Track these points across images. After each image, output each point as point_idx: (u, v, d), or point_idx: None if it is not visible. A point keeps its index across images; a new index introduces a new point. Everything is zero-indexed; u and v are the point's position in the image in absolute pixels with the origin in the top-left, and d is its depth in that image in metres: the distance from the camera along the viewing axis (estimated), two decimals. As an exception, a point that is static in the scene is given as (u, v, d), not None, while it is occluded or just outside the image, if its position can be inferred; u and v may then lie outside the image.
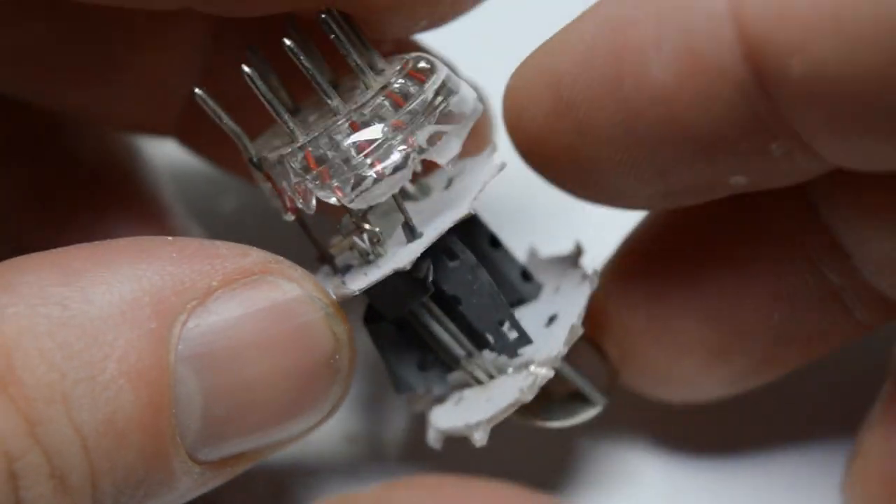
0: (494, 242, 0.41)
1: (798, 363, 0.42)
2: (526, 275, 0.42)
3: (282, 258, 0.36)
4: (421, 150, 0.36)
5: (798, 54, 0.32)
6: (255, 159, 0.38)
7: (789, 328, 0.40)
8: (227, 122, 0.37)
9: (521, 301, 0.41)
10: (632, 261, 0.43)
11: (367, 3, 0.38)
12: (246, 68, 0.36)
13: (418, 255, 0.37)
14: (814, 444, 0.43)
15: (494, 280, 0.39)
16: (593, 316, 0.41)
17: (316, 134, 0.37)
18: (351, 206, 0.36)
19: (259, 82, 0.36)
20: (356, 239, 0.37)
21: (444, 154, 0.37)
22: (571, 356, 0.39)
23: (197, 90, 0.37)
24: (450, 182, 0.40)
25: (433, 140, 0.36)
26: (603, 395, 0.40)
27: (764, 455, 0.43)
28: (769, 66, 0.33)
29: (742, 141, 0.35)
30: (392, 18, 0.39)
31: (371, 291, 0.37)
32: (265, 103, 0.37)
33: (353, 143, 0.36)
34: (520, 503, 0.33)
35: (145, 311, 0.33)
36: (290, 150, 0.37)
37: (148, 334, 0.33)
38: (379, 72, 0.38)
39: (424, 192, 0.41)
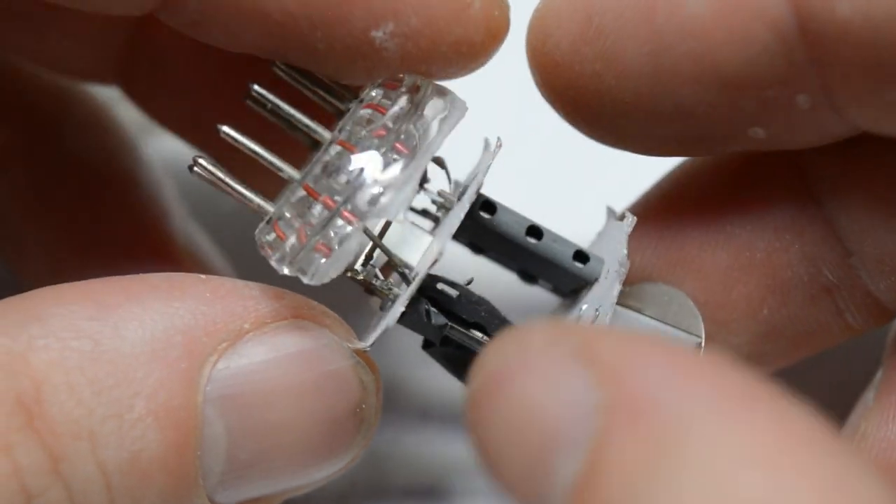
0: (534, 232, 0.39)
1: (782, 363, 0.41)
2: (581, 256, 0.39)
3: (315, 303, 0.36)
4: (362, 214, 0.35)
5: None
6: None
7: (778, 323, 0.40)
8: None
9: (585, 284, 0.40)
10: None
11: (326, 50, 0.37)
12: (230, 132, 0.36)
13: (395, 319, 0.35)
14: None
15: (545, 274, 0.39)
16: None
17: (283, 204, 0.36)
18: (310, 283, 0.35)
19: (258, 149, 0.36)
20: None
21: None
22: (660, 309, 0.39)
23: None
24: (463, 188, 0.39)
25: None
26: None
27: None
28: (812, 6, 0.32)
29: (770, 87, 0.35)
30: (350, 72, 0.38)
31: (404, 323, 0.36)
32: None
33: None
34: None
35: (176, 351, 0.33)
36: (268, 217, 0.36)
37: (178, 374, 0.33)
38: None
39: (448, 203, 0.39)
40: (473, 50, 0.37)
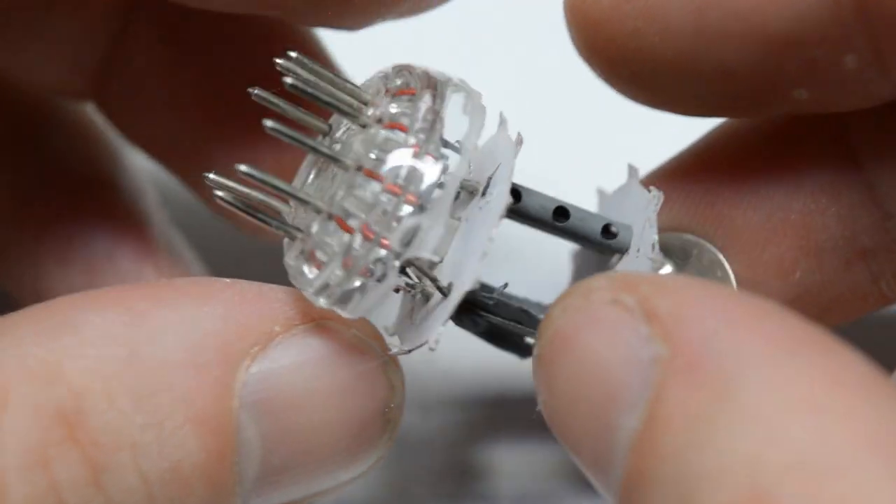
0: (561, 213, 0.38)
1: None
2: (609, 230, 0.39)
3: (339, 305, 0.35)
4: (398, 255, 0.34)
5: None
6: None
7: (810, 287, 0.39)
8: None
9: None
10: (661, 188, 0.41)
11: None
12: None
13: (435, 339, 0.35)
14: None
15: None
16: None
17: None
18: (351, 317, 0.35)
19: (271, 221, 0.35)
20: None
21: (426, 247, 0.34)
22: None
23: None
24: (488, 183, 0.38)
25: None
26: None
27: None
28: None
29: (818, 46, 0.34)
30: (348, 18, 0.39)
31: None
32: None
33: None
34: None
35: (211, 356, 0.33)
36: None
37: (214, 379, 0.32)
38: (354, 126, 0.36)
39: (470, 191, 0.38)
40: None
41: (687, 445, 0.28)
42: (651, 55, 0.36)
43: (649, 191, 0.38)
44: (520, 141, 0.37)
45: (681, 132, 0.41)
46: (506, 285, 0.38)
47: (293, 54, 0.35)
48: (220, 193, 0.35)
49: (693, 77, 0.36)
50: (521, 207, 0.38)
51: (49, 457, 0.30)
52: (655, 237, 0.38)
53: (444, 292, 0.35)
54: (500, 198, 0.35)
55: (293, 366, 0.33)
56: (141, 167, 0.50)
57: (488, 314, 0.38)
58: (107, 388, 0.31)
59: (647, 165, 0.41)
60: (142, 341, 0.32)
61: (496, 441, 0.45)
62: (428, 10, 0.40)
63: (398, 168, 0.34)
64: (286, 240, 0.36)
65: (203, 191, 0.45)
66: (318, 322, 0.34)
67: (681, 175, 0.41)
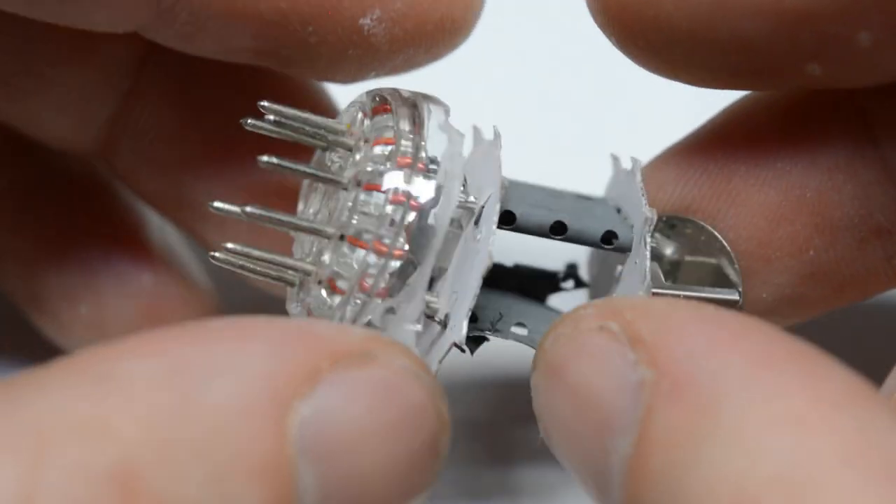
0: (559, 228, 0.39)
1: (826, 307, 0.41)
2: (608, 239, 0.39)
3: (378, 334, 0.34)
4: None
5: None
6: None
7: (824, 265, 0.40)
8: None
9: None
10: (666, 168, 0.42)
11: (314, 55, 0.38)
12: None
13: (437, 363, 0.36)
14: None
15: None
16: None
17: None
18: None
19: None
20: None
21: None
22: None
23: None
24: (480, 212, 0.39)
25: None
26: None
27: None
28: None
29: (832, 22, 0.34)
30: (341, 72, 0.39)
31: None
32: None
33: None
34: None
35: (262, 399, 0.30)
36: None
37: (268, 425, 0.30)
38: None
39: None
40: (456, 25, 0.39)
41: (675, 466, 0.29)
42: (667, 24, 0.36)
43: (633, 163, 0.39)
44: (498, 142, 0.38)
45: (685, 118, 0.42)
46: (500, 317, 0.39)
47: (267, 104, 0.36)
48: (216, 255, 0.36)
49: (707, 47, 0.36)
50: (517, 227, 0.39)
51: None
52: (646, 207, 0.38)
53: (444, 324, 0.36)
54: (486, 240, 0.36)
55: (345, 403, 0.31)
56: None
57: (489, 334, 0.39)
58: (162, 440, 0.29)
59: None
60: (192, 389, 0.30)
61: (516, 433, 0.45)
62: (421, 67, 0.40)
63: (398, 179, 0.35)
64: (289, 289, 0.37)
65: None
66: (361, 353, 0.32)
67: (697, 152, 0.41)
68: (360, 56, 0.38)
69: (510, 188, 0.39)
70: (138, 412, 0.29)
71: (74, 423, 0.28)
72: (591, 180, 0.42)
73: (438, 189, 0.36)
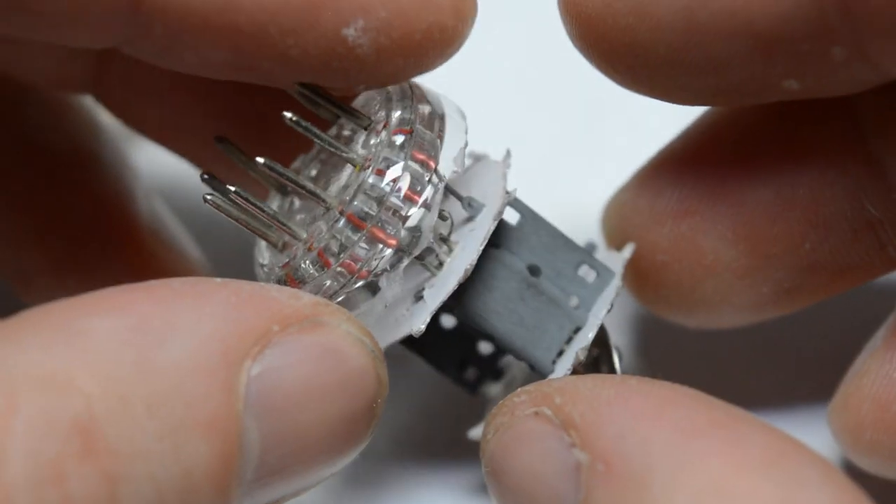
0: (533, 271, 0.40)
1: (822, 295, 0.42)
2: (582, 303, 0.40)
3: (327, 301, 0.35)
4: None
5: None
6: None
7: (820, 257, 0.40)
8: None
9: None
10: (661, 172, 0.42)
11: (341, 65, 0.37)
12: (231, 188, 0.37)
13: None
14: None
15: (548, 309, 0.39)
16: (617, 231, 0.41)
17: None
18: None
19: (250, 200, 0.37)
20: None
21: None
22: None
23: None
24: (469, 204, 0.40)
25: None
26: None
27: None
28: None
29: (804, 42, 0.35)
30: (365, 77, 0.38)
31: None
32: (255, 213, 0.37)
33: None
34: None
35: (215, 358, 0.32)
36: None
37: (220, 382, 0.32)
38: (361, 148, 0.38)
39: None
40: (446, 35, 0.38)
41: None
42: (643, 50, 0.37)
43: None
44: (508, 163, 0.39)
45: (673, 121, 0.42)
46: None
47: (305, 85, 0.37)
48: (209, 197, 0.37)
49: (684, 70, 0.37)
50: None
51: (66, 471, 0.29)
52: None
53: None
54: (471, 251, 0.37)
55: (292, 364, 0.33)
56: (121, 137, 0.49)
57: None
58: (121, 395, 0.30)
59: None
60: (151, 346, 0.31)
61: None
62: (412, 77, 0.39)
63: (410, 171, 0.36)
64: (263, 244, 0.39)
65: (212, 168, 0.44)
66: (311, 319, 0.34)
67: (690, 157, 0.42)
68: (345, 68, 0.37)
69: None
70: (100, 368, 0.30)
71: (43, 376, 0.30)
72: (592, 180, 0.42)
73: (439, 193, 0.37)
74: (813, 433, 0.40)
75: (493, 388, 0.43)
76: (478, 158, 0.41)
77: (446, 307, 0.38)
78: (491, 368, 0.43)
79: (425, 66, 0.38)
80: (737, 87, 0.37)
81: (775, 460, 0.31)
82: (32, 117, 0.47)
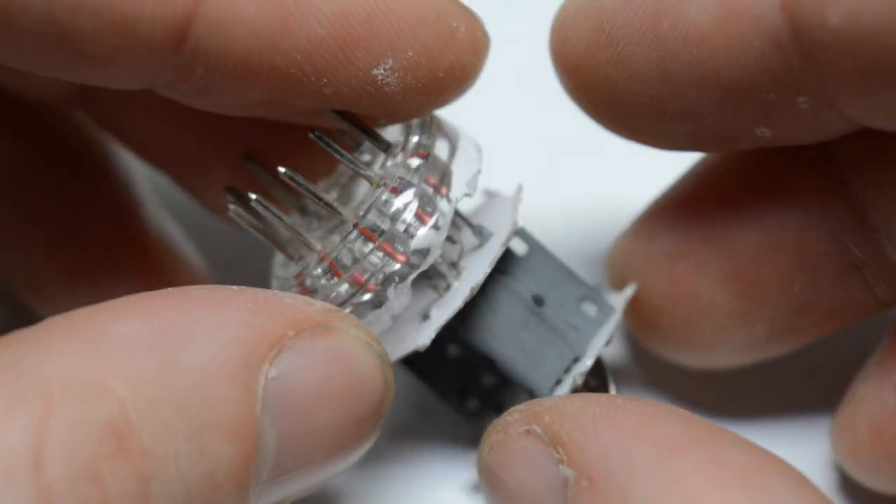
0: (538, 301, 0.41)
1: (816, 334, 0.43)
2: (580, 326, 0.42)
3: (338, 308, 0.37)
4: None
5: (835, 5, 0.34)
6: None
7: (810, 298, 0.41)
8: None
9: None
10: (657, 219, 0.43)
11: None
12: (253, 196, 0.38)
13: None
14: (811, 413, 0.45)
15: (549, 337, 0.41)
16: (618, 275, 0.43)
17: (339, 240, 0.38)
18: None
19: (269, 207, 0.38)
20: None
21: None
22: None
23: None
24: (479, 232, 0.41)
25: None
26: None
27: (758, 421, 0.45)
28: (804, 15, 0.34)
29: (770, 91, 0.36)
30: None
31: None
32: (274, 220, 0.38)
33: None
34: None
35: (235, 362, 0.33)
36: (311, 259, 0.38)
37: (240, 385, 0.33)
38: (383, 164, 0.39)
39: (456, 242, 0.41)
40: (465, 72, 0.39)
41: None
42: (623, 98, 0.39)
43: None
44: (519, 197, 0.40)
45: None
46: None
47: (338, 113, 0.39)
48: (231, 207, 0.39)
49: (662, 117, 0.39)
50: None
51: (102, 471, 0.30)
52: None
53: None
54: (478, 272, 0.39)
55: (305, 368, 0.34)
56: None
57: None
58: (150, 397, 0.31)
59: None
60: (175, 350, 0.32)
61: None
62: (429, 112, 0.41)
63: (419, 192, 0.38)
64: (280, 258, 0.40)
65: (199, 192, 0.46)
66: (323, 324, 0.35)
67: (682, 203, 0.43)
68: (372, 105, 0.39)
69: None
70: (129, 371, 0.32)
71: (77, 380, 0.31)
72: (591, 180, 0.43)
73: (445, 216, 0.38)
74: (810, 444, 0.43)
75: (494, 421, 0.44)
76: (491, 195, 0.43)
77: (452, 328, 0.39)
78: (492, 401, 0.44)
79: (444, 102, 0.40)
80: (713, 134, 0.39)
81: (751, 476, 0.33)
82: (45, 130, 0.48)
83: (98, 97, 0.45)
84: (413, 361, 0.43)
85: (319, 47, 0.37)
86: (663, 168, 0.45)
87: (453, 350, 0.44)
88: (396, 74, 0.38)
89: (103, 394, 0.31)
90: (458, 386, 0.44)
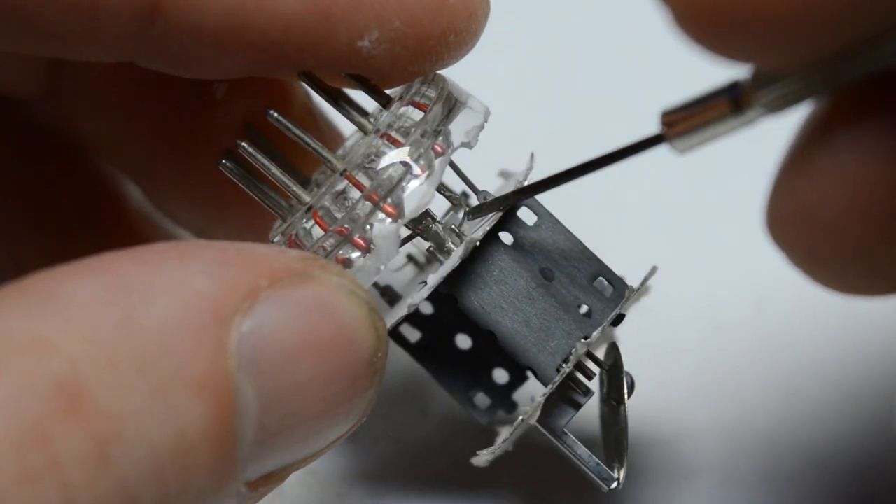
0: (546, 275, 0.39)
1: None
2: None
3: (316, 255, 0.35)
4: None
5: None
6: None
7: None
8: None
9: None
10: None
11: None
12: (247, 146, 0.37)
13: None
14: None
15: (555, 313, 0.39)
16: None
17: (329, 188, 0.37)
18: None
19: (263, 160, 0.37)
20: None
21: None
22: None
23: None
24: (484, 198, 0.40)
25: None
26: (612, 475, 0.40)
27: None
28: None
29: None
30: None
31: None
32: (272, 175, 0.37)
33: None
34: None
35: (204, 316, 0.31)
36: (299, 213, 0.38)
37: (210, 340, 0.31)
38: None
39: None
40: (459, 38, 0.38)
41: None
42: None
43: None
44: (530, 167, 0.39)
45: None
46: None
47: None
48: (225, 163, 0.37)
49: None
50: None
51: (48, 432, 0.29)
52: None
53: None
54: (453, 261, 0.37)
55: (283, 319, 0.32)
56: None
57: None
58: (106, 354, 0.30)
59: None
60: (136, 305, 0.30)
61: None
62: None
63: (412, 141, 0.36)
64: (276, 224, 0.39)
65: (156, 196, 0.45)
66: (301, 273, 0.33)
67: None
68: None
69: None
70: (82, 329, 0.30)
71: (19, 339, 0.29)
72: (591, 180, 0.41)
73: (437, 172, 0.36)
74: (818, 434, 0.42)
75: (504, 420, 0.42)
76: (508, 175, 0.41)
77: (450, 297, 0.38)
78: (504, 399, 0.42)
79: (439, 67, 0.38)
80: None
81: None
82: (23, 107, 0.46)
83: (61, 91, 0.44)
84: (424, 356, 0.42)
85: (297, 23, 0.36)
86: (663, 168, 0.43)
87: (465, 343, 0.42)
88: (383, 46, 0.37)
89: (50, 353, 0.29)
90: (468, 380, 0.42)
